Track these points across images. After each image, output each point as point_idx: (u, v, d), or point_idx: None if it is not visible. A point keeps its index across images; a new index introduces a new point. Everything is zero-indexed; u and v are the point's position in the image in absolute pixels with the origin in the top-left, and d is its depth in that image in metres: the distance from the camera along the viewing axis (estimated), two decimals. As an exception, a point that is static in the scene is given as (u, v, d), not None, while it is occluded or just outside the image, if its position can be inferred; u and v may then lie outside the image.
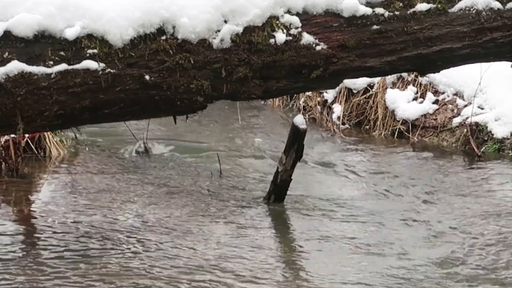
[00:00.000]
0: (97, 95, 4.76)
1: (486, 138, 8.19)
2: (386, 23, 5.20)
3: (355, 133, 9.17)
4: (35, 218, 5.88)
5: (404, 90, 9.07)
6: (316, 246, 5.41)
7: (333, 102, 9.53)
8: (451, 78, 8.79)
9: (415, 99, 9.00)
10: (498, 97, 8.38)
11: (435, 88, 8.99)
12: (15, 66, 4.57)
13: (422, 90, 9.03)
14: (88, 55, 4.73)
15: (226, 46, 4.98)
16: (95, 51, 4.73)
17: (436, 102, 8.91)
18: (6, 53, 4.60)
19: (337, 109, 9.43)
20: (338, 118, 9.35)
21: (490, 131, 8.17)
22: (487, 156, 8.00)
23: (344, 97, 9.39)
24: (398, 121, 8.92)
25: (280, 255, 5.26)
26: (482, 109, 8.42)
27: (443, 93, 8.91)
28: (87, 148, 7.87)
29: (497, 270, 5.04)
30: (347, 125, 9.33)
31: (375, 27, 5.19)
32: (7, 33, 4.62)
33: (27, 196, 6.40)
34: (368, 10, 5.19)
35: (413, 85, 9.05)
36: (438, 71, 5.60)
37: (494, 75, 8.25)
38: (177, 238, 5.46)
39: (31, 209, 6.10)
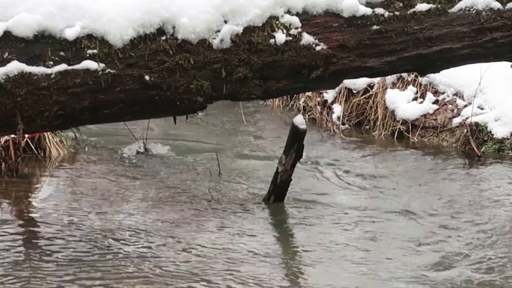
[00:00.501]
0: (97, 96, 4.76)
1: (486, 138, 8.17)
2: (386, 23, 5.20)
3: (355, 133, 9.15)
4: (34, 218, 5.89)
5: (404, 90, 9.06)
6: (316, 251, 5.38)
7: (333, 102, 9.53)
8: (451, 78, 8.78)
9: (415, 99, 8.99)
10: (498, 97, 8.36)
11: (435, 88, 8.97)
12: (15, 66, 4.57)
13: (422, 90, 9.02)
14: (88, 55, 4.73)
15: (226, 46, 4.98)
16: (95, 51, 4.74)
17: (436, 102, 8.90)
18: (6, 53, 4.60)
19: (337, 109, 9.42)
20: (338, 118, 9.34)
21: (490, 131, 8.16)
22: (487, 156, 7.98)
23: (344, 97, 9.38)
24: (398, 121, 8.91)
25: (279, 260, 5.24)
26: (482, 109, 8.41)
27: (443, 93, 8.91)
28: (87, 148, 7.86)
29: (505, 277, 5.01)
30: (347, 125, 9.31)
31: (375, 27, 5.19)
32: (7, 33, 4.63)
33: (27, 196, 6.40)
34: (368, 10, 5.19)
35: (413, 85, 9.04)
36: (438, 71, 5.59)
37: (494, 75, 8.24)
38: (175, 240, 5.44)
39: (31, 209, 6.09)
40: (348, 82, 8.98)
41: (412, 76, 9.04)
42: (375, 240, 5.57)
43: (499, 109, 8.25)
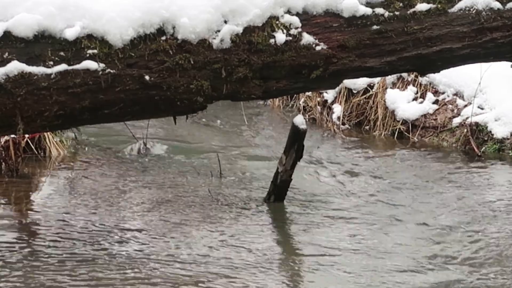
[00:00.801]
0: (97, 95, 4.76)
1: (486, 138, 8.16)
2: (386, 23, 5.20)
3: (355, 134, 9.14)
4: (34, 218, 5.86)
5: (404, 90, 9.06)
6: (316, 255, 5.34)
7: (333, 102, 9.52)
8: (451, 78, 8.79)
9: (415, 99, 8.99)
10: (498, 97, 8.37)
11: (435, 88, 8.97)
12: (15, 67, 4.58)
13: (422, 90, 9.02)
14: (88, 55, 4.74)
15: (226, 46, 4.97)
16: (95, 51, 4.75)
17: (436, 102, 8.89)
18: (6, 53, 4.61)
19: (337, 109, 9.42)
20: (338, 118, 9.33)
21: (490, 131, 8.15)
22: (487, 156, 7.97)
23: (344, 97, 9.38)
24: (398, 121, 8.90)
25: (279, 264, 5.19)
26: (482, 109, 8.41)
27: (443, 93, 8.91)
28: (87, 148, 7.85)
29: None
30: (347, 125, 9.30)
31: (375, 27, 5.19)
32: (7, 33, 4.64)
33: (27, 196, 6.41)
34: (368, 10, 5.19)
35: (413, 85, 9.04)
36: (438, 71, 5.59)
37: (494, 75, 8.24)
38: (175, 242, 5.43)
39: (31, 209, 6.09)
40: (348, 82, 8.98)
41: (412, 76, 9.05)
42: (376, 246, 5.51)
43: (499, 109, 8.26)
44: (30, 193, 6.51)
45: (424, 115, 8.84)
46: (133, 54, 4.81)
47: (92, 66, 4.72)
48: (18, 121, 4.66)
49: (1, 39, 4.62)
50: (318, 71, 5.14)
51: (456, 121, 8.57)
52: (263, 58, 5.02)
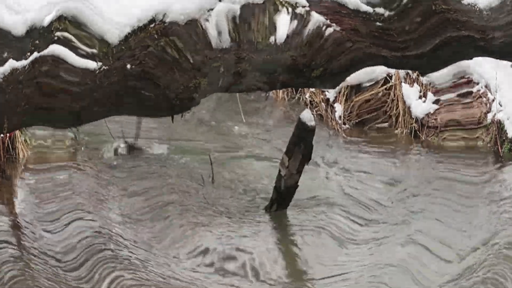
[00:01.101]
0: (93, 94, 4.80)
1: (504, 138, 8.13)
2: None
3: (368, 132, 8.95)
4: (13, 225, 5.94)
5: (412, 86, 8.94)
6: (327, 272, 5.36)
7: (334, 101, 9.30)
8: (484, 67, 8.58)
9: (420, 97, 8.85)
10: (509, 95, 8.25)
11: (467, 77, 8.73)
12: (9, 65, 4.73)
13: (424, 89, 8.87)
14: (85, 53, 4.76)
15: (225, 43, 4.91)
16: (65, 33, 4.75)
17: (469, 94, 8.68)
18: (5, 53, 4.73)
19: (338, 108, 9.22)
20: (350, 113, 9.09)
21: (506, 130, 8.13)
22: (505, 156, 7.82)
23: (345, 96, 9.15)
24: (412, 118, 8.71)
25: (280, 284, 5.24)
26: (501, 106, 8.37)
27: (477, 83, 8.63)
28: (80, 148, 7.80)
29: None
30: (347, 126, 9.09)
31: (378, 24, 5.19)
32: (6, 33, 4.77)
33: (12, 199, 6.54)
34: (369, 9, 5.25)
35: (417, 83, 8.89)
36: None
37: (507, 72, 8.19)
38: (170, 259, 5.50)
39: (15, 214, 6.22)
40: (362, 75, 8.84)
41: (414, 74, 8.95)
42: (393, 263, 5.47)
43: (509, 108, 8.16)
44: (14, 195, 6.61)
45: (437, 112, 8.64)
46: (123, 48, 4.82)
47: (91, 65, 4.69)
48: (5, 120, 4.76)
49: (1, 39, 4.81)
50: (319, 69, 5.04)
51: (488, 117, 8.55)
52: (263, 56, 4.91)
